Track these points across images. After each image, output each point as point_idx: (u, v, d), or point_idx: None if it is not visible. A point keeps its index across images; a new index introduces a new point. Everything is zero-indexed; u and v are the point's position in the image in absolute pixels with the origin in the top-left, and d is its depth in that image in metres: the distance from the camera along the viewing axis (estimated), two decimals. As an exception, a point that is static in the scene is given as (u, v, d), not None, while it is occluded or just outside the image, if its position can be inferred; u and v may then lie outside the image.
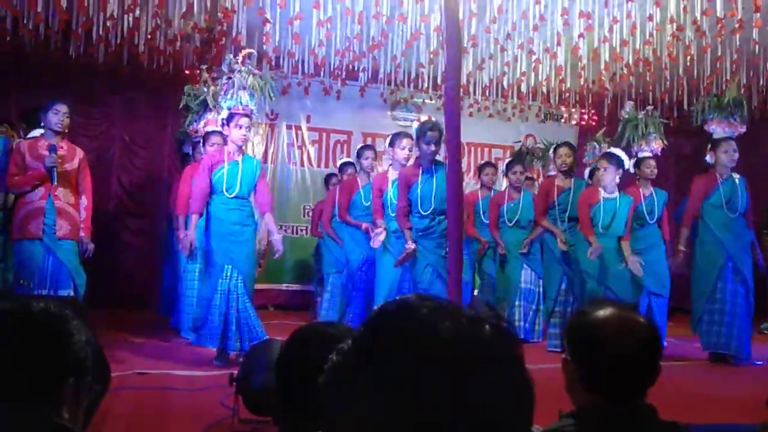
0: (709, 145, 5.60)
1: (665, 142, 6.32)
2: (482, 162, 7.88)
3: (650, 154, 6.19)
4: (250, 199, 4.93)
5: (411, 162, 5.18)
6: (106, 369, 2.87)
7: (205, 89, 5.73)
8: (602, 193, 5.57)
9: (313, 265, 7.72)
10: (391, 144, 5.42)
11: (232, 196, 4.79)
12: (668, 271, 6.14)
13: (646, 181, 6.14)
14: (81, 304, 3.08)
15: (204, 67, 6.10)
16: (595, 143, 6.96)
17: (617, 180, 5.62)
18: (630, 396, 1.43)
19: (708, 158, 5.59)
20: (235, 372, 2.92)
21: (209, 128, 5.59)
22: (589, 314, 1.47)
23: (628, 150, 6.43)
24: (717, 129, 5.62)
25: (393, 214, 5.05)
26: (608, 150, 5.93)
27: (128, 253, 8.42)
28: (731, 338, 5.31)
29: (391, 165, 5.59)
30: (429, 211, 4.81)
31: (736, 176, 5.54)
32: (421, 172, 4.86)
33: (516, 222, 6.45)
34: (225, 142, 5.08)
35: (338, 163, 7.59)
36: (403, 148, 5.27)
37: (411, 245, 4.74)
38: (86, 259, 4.94)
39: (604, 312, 1.46)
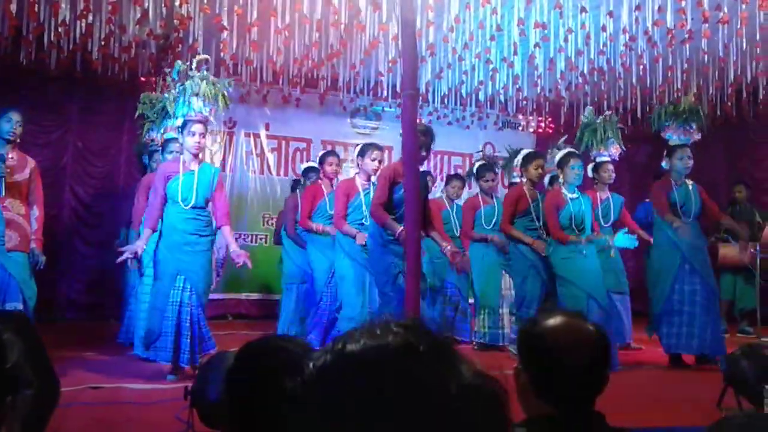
0: (665, 152, 5.71)
1: (623, 147, 6.39)
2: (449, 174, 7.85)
3: (608, 159, 6.26)
4: (208, 208, 4.77)
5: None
6: (55, 382, 2.80)
7: (165, 95, 5.62)
8: (567, 195, 5.53)
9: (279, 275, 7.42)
10: (361, 154, 5.45)
11: (189, 207, 4.63)
12: (625, 270, 6.26)
13: (603, 186, 6.22)
14: (28, 317, 2.99)
15: (167, 71, 5.99)
16: (557, 150, 6.99)
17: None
18: (579, 403, 1.44)
19: (663, 164, 5.70)
20: (190, 385, 2.88)
21: (168, 135, 5.45)
22: (539, 323, 1.48)
23: (586, 154, 6.51)
24: (673, 136, 5.71)
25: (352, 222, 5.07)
26: (570, 149, 5.85)
27: (83, 264, 8.23)
28: (692, 338, 5.36)
29: (358, 174, 5.59)
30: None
31: (690, 182, 5.64)
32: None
33: (494, 225, 6.39)
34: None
35: (301, 167, 7.31)
36: (374, 160, 5.36)
37: (399, 228, 4.54)
38: (38, 272, 4.81)
39: (553, 321, 1.47)
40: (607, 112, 6.54)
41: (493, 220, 6.42)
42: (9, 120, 4.63)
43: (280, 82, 8.07)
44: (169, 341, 4.51)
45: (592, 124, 6.29)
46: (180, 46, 6.73)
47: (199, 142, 4.67)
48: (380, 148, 5.46)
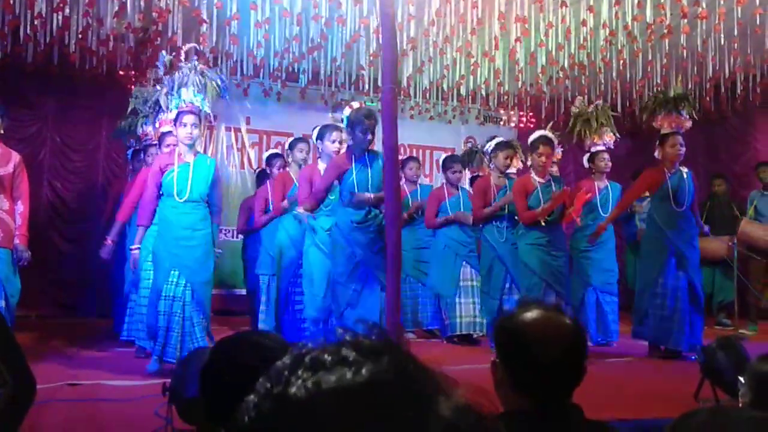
0: (657, 141, 5.68)
1: (617, 135, 6.39)
2: (406, 157, 7.61)
3: (603, 148, 6.26)
4: (204, 202, 4.70)
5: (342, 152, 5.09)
6: (30, 380, 2.76)
7: (158, 88, 5.54)
8: (536, 180, 5.51)
9: (244, 268, 7.26)
10: (320, 137, 5.36)
11: (183, 200, 4.59)
12: (617, 268, 6.27)
13: (600, 175, 6.24)
14: (2, 316, 2.92)
15: (160, 65, 5.91)
16: None
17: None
18: (557, 397, 1.44)
19: (656, 153, 5.67)
20: (169, 381, 2.85)
21: (164, 129, 5.36)
22: (515, 316, 1.48)
23: (580, 144, 6.52)
24: (665, 126, 5.71)
25: (326, 208, 5.05)
26: (542, 133, 5.71)
27: (62, 260, 8.14)
28: (671, 332, 5.37)
29: (319, 158, 5.52)
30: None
31: (684, 170, 5.61)
32: (353, 160, 4.72)
33: None
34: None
35: (265, 156, 7.11)
36: (333, 141, 5.25)
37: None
38: (21, 268, 4.73)
39: (530, 314, 1.47)
40: (598, 102, 6.53)
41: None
42: None
43: (261, 75, 8.02)
44: (160, 334, 4.49)
45: (585, 114, 6.28)
46: (159, 39, 6.66)
47: (190, 133, 4.63)
48: (339, 129, 5.22)
